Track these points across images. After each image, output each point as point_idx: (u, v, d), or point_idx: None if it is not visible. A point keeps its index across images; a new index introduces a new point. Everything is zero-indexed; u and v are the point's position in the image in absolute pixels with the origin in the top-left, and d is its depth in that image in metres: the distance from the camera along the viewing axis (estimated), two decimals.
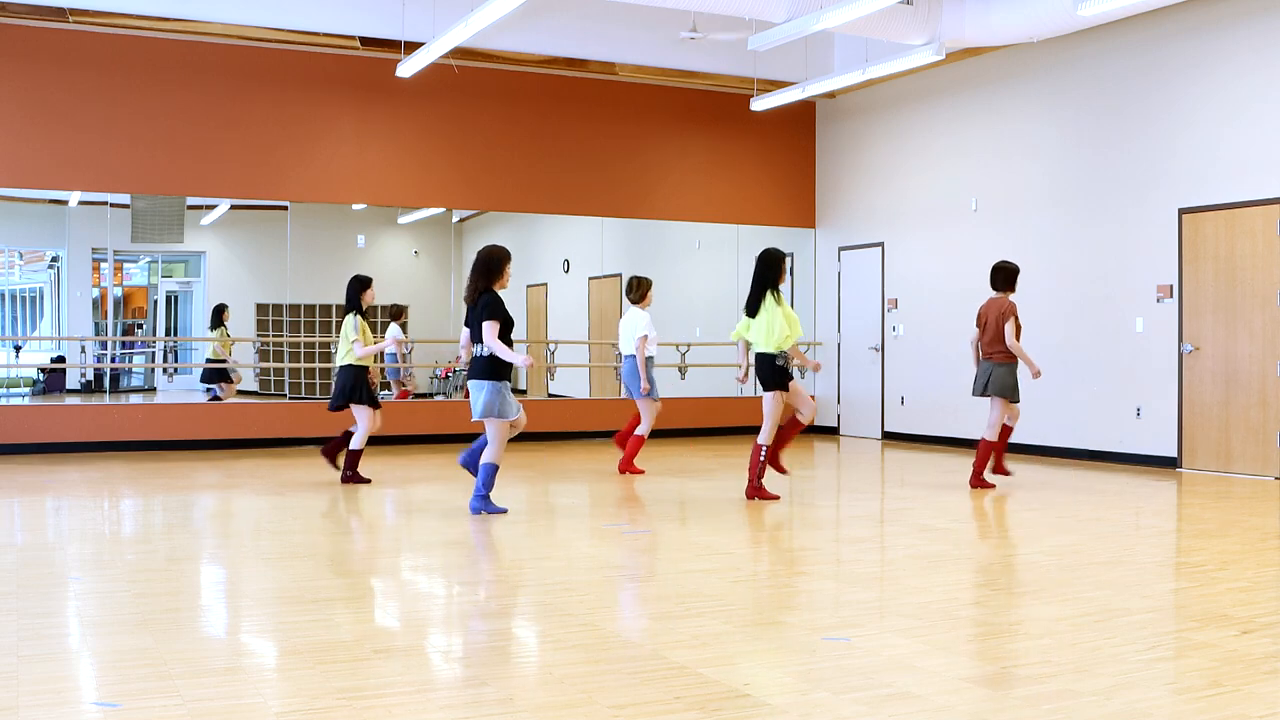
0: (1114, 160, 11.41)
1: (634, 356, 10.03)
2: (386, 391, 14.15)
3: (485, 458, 7.59)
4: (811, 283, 15.38)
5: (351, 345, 9.14)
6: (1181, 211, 10.75)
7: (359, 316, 9.23)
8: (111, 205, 13.12)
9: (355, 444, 9.25)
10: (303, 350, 14.85)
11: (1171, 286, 10.83)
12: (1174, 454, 10.79)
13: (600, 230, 15.18)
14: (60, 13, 10.98)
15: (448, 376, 15.33)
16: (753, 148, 14.93)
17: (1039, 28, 10.54)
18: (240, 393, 14.30)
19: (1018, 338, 9.06)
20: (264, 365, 14.98)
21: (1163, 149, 10.94)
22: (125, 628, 4.62)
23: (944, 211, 13.42)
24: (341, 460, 9.48)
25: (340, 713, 3.52)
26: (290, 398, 14.81)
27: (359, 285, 9.34)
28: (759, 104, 13.13)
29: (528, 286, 15.89)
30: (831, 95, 14.76)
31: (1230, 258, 10.33)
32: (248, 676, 3.96)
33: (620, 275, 16.01)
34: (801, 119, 15.22)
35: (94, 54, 11.99)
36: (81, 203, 13.80)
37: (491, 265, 7.52)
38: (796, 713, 3.56)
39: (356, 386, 9.16)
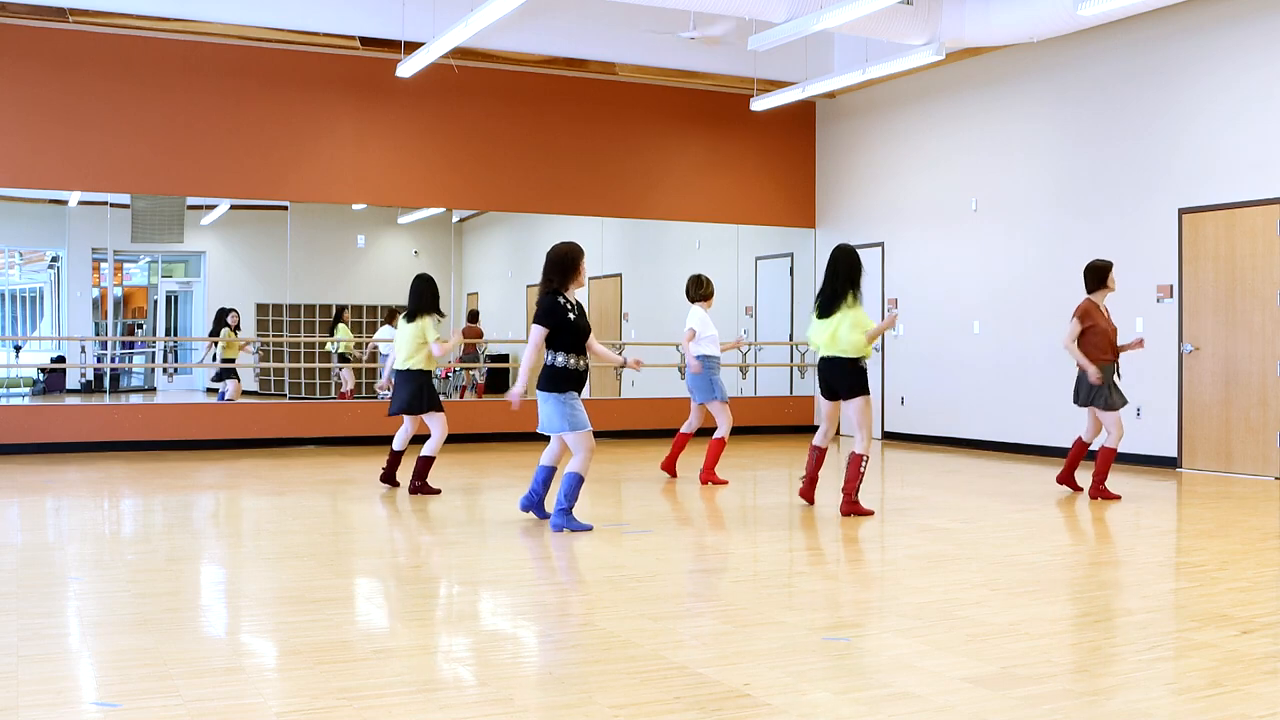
0: (1114, 160, 11.42)
1: (700, 357, 9.48)
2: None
3: (571, 468, 7.01)
4: (812, 282, 15.37)
5: (428, 346, 8.65)
6: (1181, 211, 10.75)
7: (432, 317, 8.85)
8: (111, 205, 13.12)
9: (431, 450, 8.71)
10: (303, 350, 14.85)
11: (1171, 286, 10.83)
12: (1174, 454, 10.79)
13: (600, 230, 15.18)
14: (60, 13, 10.98)
15: (447, 377, 15.34)
16: (753, 148, 14.93)
17: (1039, 28, 10.55)
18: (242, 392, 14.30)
19: (1076, 339, 8.62)
20: (264, 365, 14.98)
21: (1163, 149, 10.94)
22: (125, 628, 4.62)
23: (944, 211, 13.43)
24: (384, 471, 9.14)
25: (340, 713, 3.52)
26: (290, 398, 14.81)
27: (435, 286, 8.85)
28: (759, 104, 13.14)
29: (528, 287, 15.89)
30: (831, 95, 14.76)
31: (1230, 258, 10.33)
32: (248, 676, 3.96)
33: (620, 275, 16.01)
34: (801, 119, 15.22)
35: (94, 54, 11.99)
36: (81, 203, 13.80)
37: (566, 263, 7.00)
38: (796, 713, 3.56)
39: (430, 390, 8.77)
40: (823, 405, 8.04)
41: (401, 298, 8.98)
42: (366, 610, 5.20)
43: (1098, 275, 8.82)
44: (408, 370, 8.72)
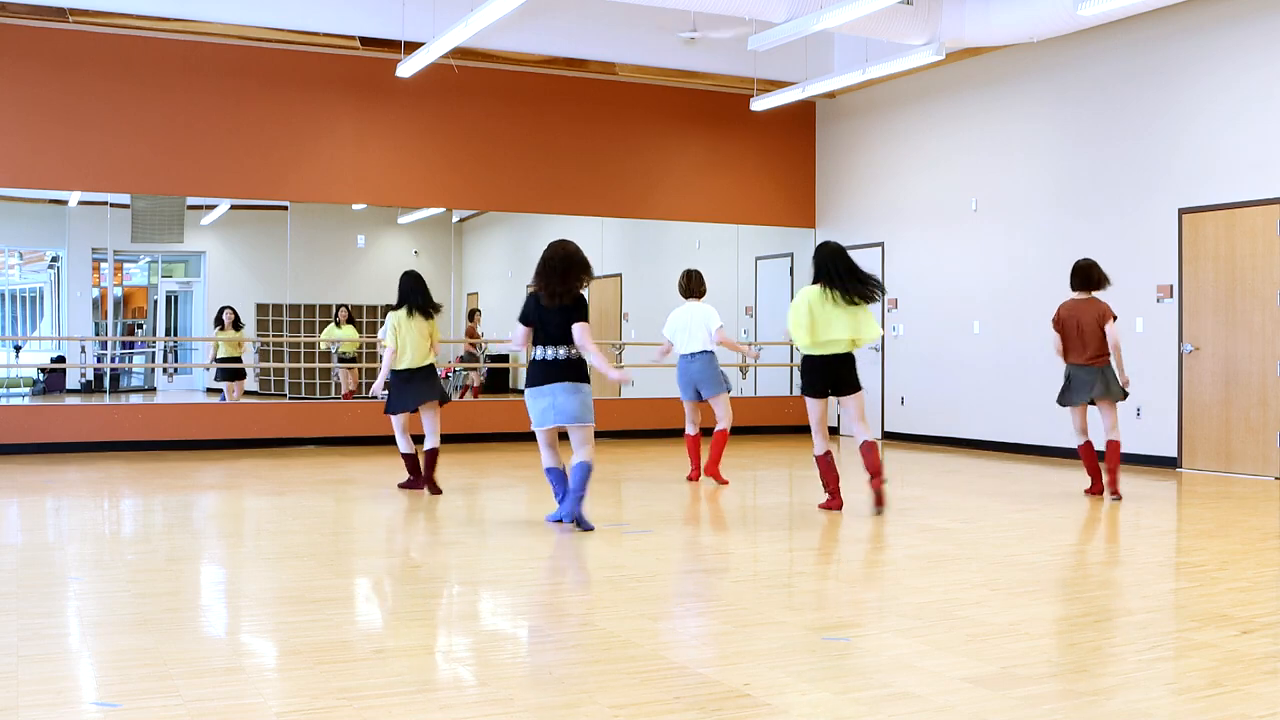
0: (1114, 160, 11.42)
1: (706, 353, 9.38)
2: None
3: (584, 458, 7.00)
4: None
5: (437, 345, 8.82)
6: (1181, 211, 10.75)
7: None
8: (111, 205, 13.12)
9: (437, 442, 8.76)
10: (303, 350, 14.85)
11: (1171, 286, 10.83)
12: (1174, 454, 10.79)
13: (600, 230, 15.18)
14: (60, 13, 10.98)
15: (448, 376, 15.34)
16: (753, 148, 14.93)
17: (1039, 28, 10.55)
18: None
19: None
20: (264, 365, 14.98)
21: (1163, 149, 10.94)
22: (125, 628, 4.62)
23: (944, 211, 13.43)
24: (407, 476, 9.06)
25: (340, 713, 3.52)
26: (290, 398, 14.81)
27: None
28: (759, 104, 13.14)
29: (527, 287, 15.89)
30: (831, 95, 14.76)
31: (1230, 258, 10.34)
32: (248, 676, 3.96)
33: (620, 275, 16.01)
34: (801, 119, 15.22)
35: (94, 54, 11.99)
36: (81, 203, 13.81)
37: (586, 264, 7.12)
38: (796, 713, 3.56)
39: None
40: (813, 409, 7.83)
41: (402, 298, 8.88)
42: (366, 610, 5.20)
43: (1102, 276, 8.81)
44: (426, 366, 8.69)
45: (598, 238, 15.34)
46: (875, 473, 7.76)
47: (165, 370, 15.94)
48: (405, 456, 8.96)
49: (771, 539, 7.08)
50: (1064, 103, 11.96)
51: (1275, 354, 9.98)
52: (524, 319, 7.17)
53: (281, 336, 14.69)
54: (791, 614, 4.99)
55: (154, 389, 15.65)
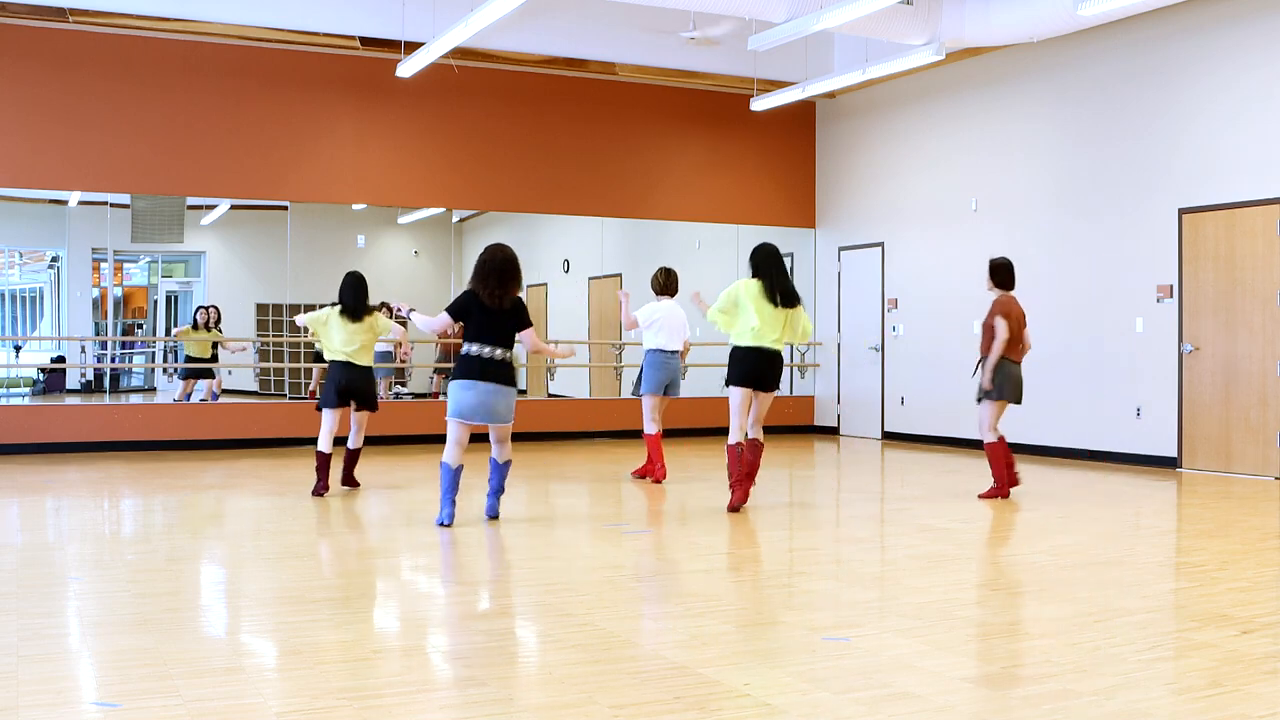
0: (1114, 160, 11.42)
1: (679, 353, 9.50)
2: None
3: (508, 456, 7.44)
4: (811, 283, 15.38)
5: (376, 341, 8.79)
6: (1181, 211, 10.75)
7: None
8: (111, 205, 13.11)
9: (360, 442, 8.95)
10: (303, 350, 14.84)
11: (1171, 286, 10.83)
12: (1174, 454, 10.79)
13: (600, 230, 15.18)
14: (60, 13, 10.98)
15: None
16: (753, 148, 14.93)
17: (1039, 28, 10.55)
18: (240, 392, 14.30)
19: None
20: (264, 365, 14.98)
21: (1163, 149, 10.94)
22: (125, 628, 4.62)
23: (944, 211, 13.42)
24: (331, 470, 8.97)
25: (340, 713, 3.52)
26: (290, 398, 14.80)
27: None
28: (759, 104, 13.14)
29: (528, 286, 15.89)
30: (831, 95, 14.76)
31: (1230, 258, 10.34)
32: (248, 676, 3.96)
33: (620, 275, 16.00)
34: (801, 119, 15.22)
35: (94, 54, 11.99)
36: (81, 203, 13.80)
37: (520, 271, 7.20)
38: (796, 713, 3.56)
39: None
40: (741, 399, 7.70)
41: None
42: (366, 610, 5.20)
43: (1013, 273, 8.71)
44: (365, 367, 8.60)
45: (598, 238, 15.34)
46: (752, 474, 7.81)
47: (165, 370, 15.94)
48: (320, 455, 8.57)
49: (771, 539, 7.08)
50: (1064, 103, 11.96)
51: (1275, 354, 9.98)
52: (457, 314, 7.14)
53: (282, 336, 14.69)
54: (791, 614, 4.99)
55: (154, 389, 15.65)
